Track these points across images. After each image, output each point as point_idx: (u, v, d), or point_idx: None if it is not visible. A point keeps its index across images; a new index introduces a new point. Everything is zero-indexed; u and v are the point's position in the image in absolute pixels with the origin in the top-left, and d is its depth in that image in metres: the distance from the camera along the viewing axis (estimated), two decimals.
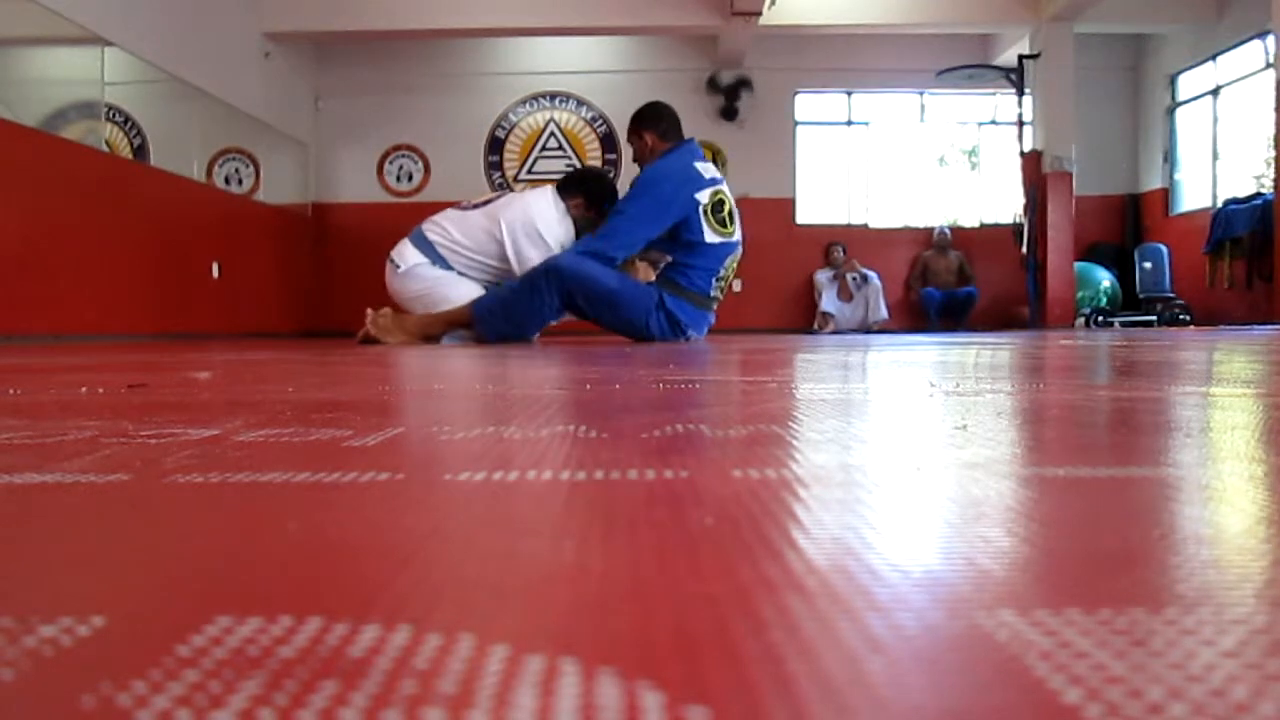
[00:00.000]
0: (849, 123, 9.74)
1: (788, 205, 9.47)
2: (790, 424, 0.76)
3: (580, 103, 9.48)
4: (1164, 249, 8.97)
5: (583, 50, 9.34)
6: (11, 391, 1.24)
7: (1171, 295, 8.77)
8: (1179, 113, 9.25)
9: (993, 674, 0.22)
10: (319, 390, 1.22)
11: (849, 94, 9.66)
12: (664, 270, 4.01)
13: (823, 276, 9.03)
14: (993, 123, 9.74)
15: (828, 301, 8.87)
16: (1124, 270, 9.10)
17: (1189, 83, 9.09)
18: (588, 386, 1.27)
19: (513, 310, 3.86)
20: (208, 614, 0.27)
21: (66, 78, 6.12)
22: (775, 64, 9.28)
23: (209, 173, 7.62)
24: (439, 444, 0.68)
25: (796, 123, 9.59)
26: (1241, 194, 8.09)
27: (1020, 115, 8.48)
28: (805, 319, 9.19)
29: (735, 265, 4.18)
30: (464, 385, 1.38)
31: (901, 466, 0.54)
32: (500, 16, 8.10)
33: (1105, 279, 8.94)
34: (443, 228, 4.12)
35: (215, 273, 7.25)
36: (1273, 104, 6.48)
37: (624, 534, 0.37)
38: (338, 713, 0.20)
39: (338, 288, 9.02)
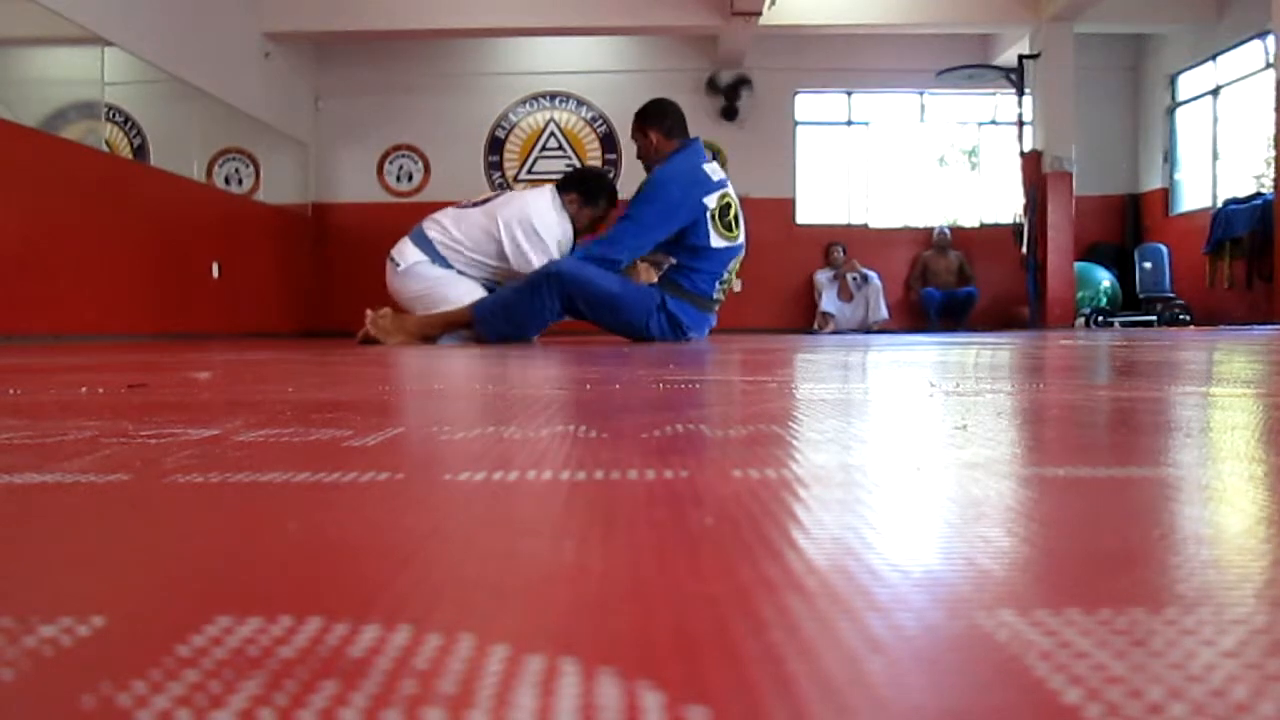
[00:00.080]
0: (849, 123, 9.74)
1: (788, 205, 9.47)
2: (790, 424, 0.76)
3: (580, 103, 9.48)
4: (1164, 249, 8.97)
5: (583, 50, 9.34)
6: (11, 391, 1.24)
7: (1171, 295, 8.77)
8: (1179, 113, 9.25)
9: (993, 674, 0.22)
10: (319, 390, 1.22)
11: (849, 94, 9.67)
12: (667, 272, 4.00)
13: (823, 276, 9.03)
14: (993, 123, 9.74)
15: (828, 301, 8.87)
16: (1124, 270, 9.10)
17: (1189, 83, 9.09)
18: (588, 386, 1.27)
19: (513, 312, 3.86)
20: (208, 614, 0.27)
21: (66, 78, 6.12)
22: (775, 64, 9.28)
23: (209, 173, 7.63)
24: (439, 444, 0.68)
25: (796, 123, 9.59)
26: (1241, 194, 8.09)
27: (1020, 115, 8.48)
28: (805, 319, 9.19)
29: (738, 267, 4.18)
30: (464, 385, 1.38)
31: (901, 466, 0.54)
32: (500, 16, 8.10)
33: (1105, 279, 8.94)
34: (442, 226, 4.12)
35: (215, 273, 7.25)
36: (1273, 104, 6.48)
37: (624, 534, 0.37)
38: (338, 713, 0.20)
39: (338, 288, 9.02)
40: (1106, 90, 9.49)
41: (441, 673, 0.22)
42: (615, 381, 1.36)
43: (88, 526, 0.42)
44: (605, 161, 9.40)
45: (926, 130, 9.83)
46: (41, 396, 1.17)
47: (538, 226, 4.00)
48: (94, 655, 0.24)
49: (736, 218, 4.05)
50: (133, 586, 0.32)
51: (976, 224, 9.82)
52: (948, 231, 9.31)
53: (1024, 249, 8.44)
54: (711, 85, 9.14)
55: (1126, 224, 9.63)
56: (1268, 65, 7.69)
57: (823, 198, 9.79)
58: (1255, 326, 6.53)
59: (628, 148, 8.93)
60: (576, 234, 4.16)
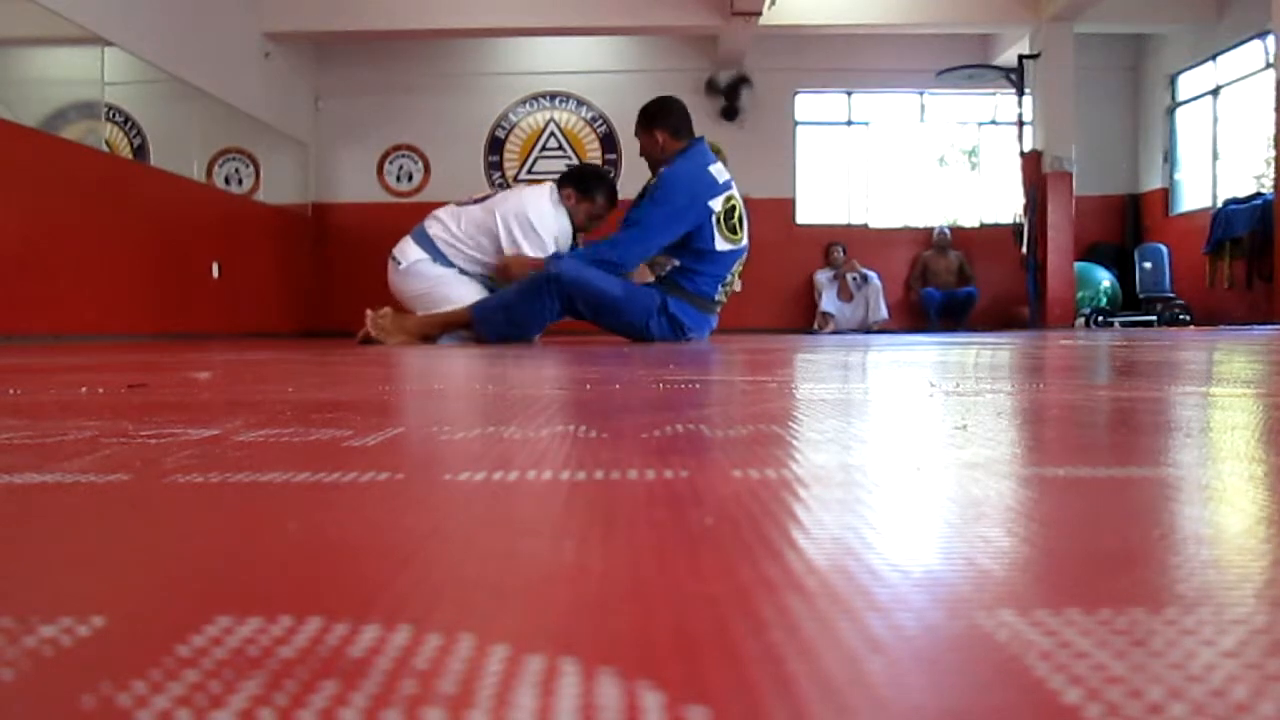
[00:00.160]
0: (849, 123, 9.74)
1: (788, 205, 9.47)
2: (790, 424, 0.76)
3: (580, 103, 9.48)
4: (1164, 249, 8.97)
5: (583, 50, 9.34)
6: (11, 391, 1.24)
7: (1171, 295, 8.77)
8: (1179, 113, 9.25)
9: (993, 674, 0.22)
10: (319, 390, 1.22)
11: (849, 94, 9.66)
12: (669, 273, 3.98)
13: (823, 276, 9.03)
14: (993, 123, 9.74)
15: (828, 301, 8.88)
16: (1124, 270, 9.10)
17: (1189, 83, 9.09)
18: (588, 386, 1.27)
19: (513, 312, 3.86)
20: (208, 614, 0.27)
21: (66, 78, 6.12)
22: (775, 64, 9.28)
23: (209, 173, 7.63)
24: (439, 444, 0.68)
25: (796, 123, 9.59)
26: (1241, 194, 8.09)
27: (1020, 115, 8.48)
28: (805, 319, 9.19)
29: (741, 268, 4.17)
30: (464, 385, 1.38)
31: (901, 466, 0.54)
32: (500, 16, 8.10)
33: (1105, 279, 8.94)
34: (443, 223, 4.13)
35: (215, 273, 7.25)
36: (1273, 104, 6.48)
37: (624, 534, 0.37)
38: (338, 713, 0.20)
39: (338, 288, 9.02)
40: (1106, 90, 9.49)
41: (441, 673, 0.22)
42: (615, 381, 1.36)
43: (88, 526, 0.42)
44: (605, 161, 9.40)
45: (926, 130, 9.83)
46: (41, 396, 1.17)
47: (534, 221, 4.00)
48: (94, 655, 0.24)
49: (741, 220, 4.05)
50: (133, 586, 0.32)
51: (976, 224, 9.82)
52: (948, 231, 9.31)
53: (1024, 249, 8.44)
54: (711, 87, 9.12)
55: (1126, 224, 9.63)
56: (1268, 65, 7.69)
57: (823, 198, 9.79)
58: (1255, 326, 6.53)
59: (628, 147, 8.94)
60: (576, 230, 4.15)
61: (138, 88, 6.74)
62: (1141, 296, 8.85)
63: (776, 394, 1.11)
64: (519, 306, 3.84)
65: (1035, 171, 8.31)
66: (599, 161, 9.40)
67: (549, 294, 3.79)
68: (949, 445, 0.63)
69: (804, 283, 9.27)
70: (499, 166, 9.46)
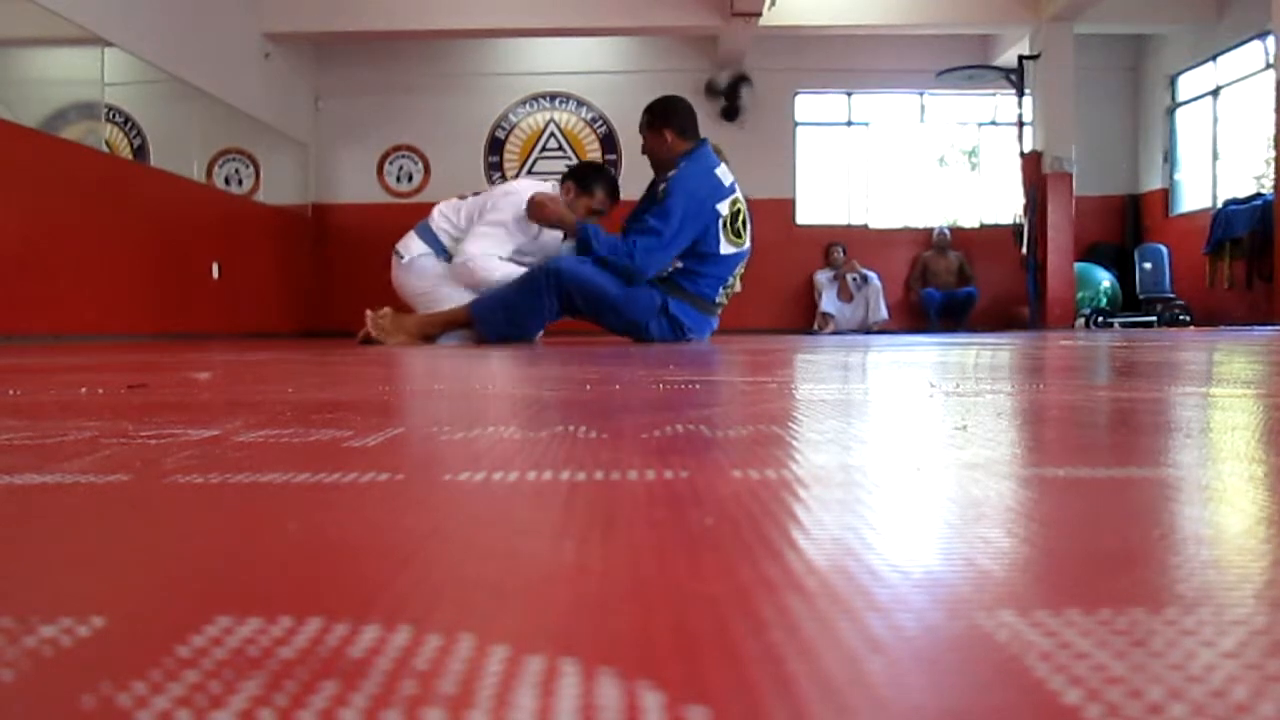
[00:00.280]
0: (849, 123, 9.74)
1: (788, 205, 9.47)
2: (790, 424, 0.76)
3: (580, 103, 9.48)
4: (1164, 249, 8.97)
5: (583, 50, 9.34)
6: (11, 391, 1.24)
7: (1171, 296, 8.77)
8: (1179, 113, 9.25)
9: (993, 674, 0.22)
10: (319, 390, 1.22)
11: (849, 94, 9.66)
12: (671, 274, 3.96)
13: (823, 277, 9.03)
14: (993, 123, 9.74)
15: (828, 302, 8.88)
16: (1124, 271, 9.10)
17: (1189, 83, 9.09)
18: (588, 387, 1.27)
19: (512, 310, 3.85)
20: (208, 614, 0.27)
21: (66, 78, 6.12)
22: (775, 64, 9.28)
23: (209, 173, 7.63)
24: (439, 444, 0.68)
25: (796, 123, 9.59)
26: (1241, 194, 8.09)
27: (1020, 116, 8.48)
28: (805, 319, 9.19)
29: (742, 270, 4.16)
30: (464, 385, 1.38)
31: (901, 467, 0.54)
32: (500, 17, 8.10)
33: (1105, 279, 8.94)
34: (445, 215, 4.14)
35: (215, 273, 7.25)
36: (1273, 104, 6.48)
37: (624, 534, 0.37)
38: (338, 713, 0.20)
39: (338, 288, 9.02)
40: (1106, 90, 9.49)
41: (441, 673, 0.22)
42: (615, 382, 1.36)
43: (88, 526, 0.42)
44: (605, 162, 9.40)
45: (926, 130, 9.83)
46: (41, 396, 1.17)
47: (509, 207, 3.99)
48: (94, 655, 0.24)
49: (745, 223, 4.04)
50: (133, 586, 0.32)
51: (976, 224, 9.82)
52: (948, 232, 9.31)
53: (1024, 249, 8.44)
54: (710, 89, 9.10)
55: (1126, 224, 9.63)
56: (1268, 65, 7.69)
57: (823, 198, 9.79)
58: (1255, 327, 6.53)
59: (628, 147, 8.94)
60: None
61: (138, 88, 6.75)
62: (1141, 297, 8.86)
63: (776, 394, 1.11)
64: (518, 303, 3.83)
65: (1035, 172, 8.31)
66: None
67: (547, 290, 3.79)
68: (949, 446, 0.63)
69: (804, 283, 9.27)
70: (499, 167, 9.47)
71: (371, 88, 9.33)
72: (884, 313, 8.75)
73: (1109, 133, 9.51)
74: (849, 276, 8.88)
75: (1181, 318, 8.42)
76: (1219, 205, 8.31)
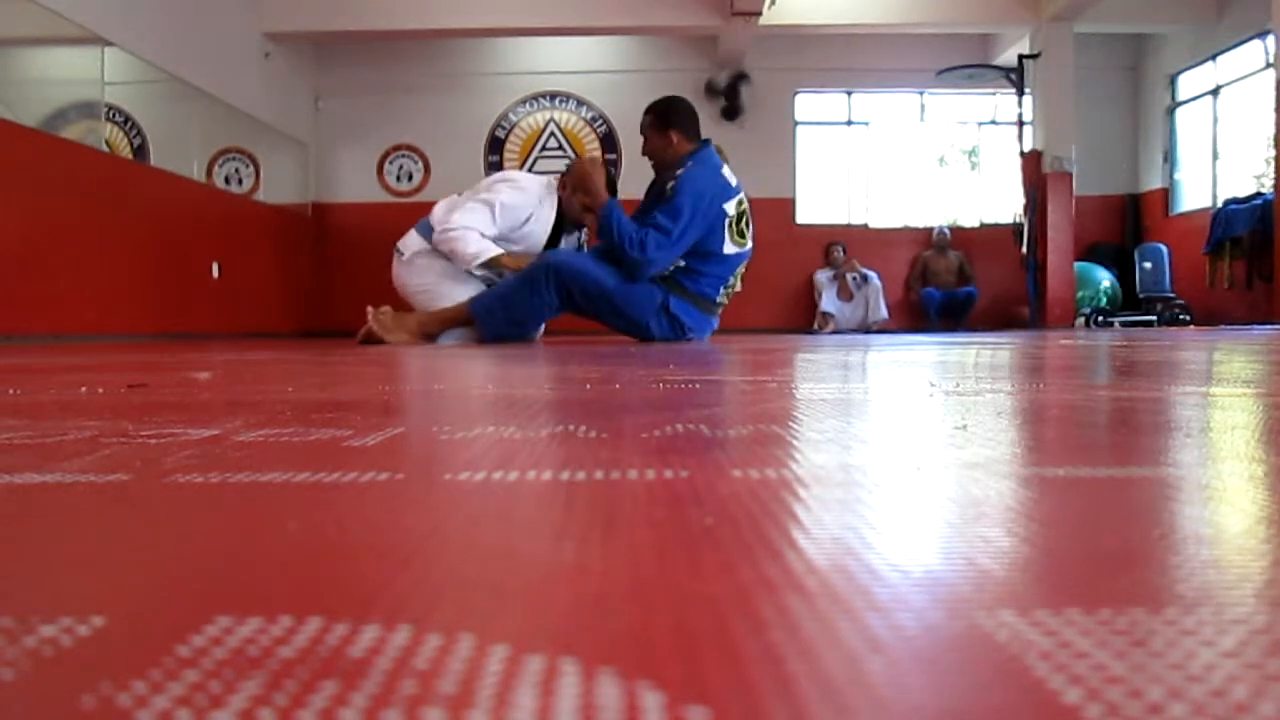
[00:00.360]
0: (849, 123, 9.74)
1: (788, 205, 9.46)
2: (790, 424, 0.76)
3: (580, 103, 9.48)
4: (1164, 249, 8.97)
5: (583, 50, 9.34)
6: (11, 391, 1.24)
7: (1171, 295, 8.77)
8: (1179, 113, 9.25)
9: (993, 674, 0.22)
10: (319, 390, 1.22)
11: (849, 94, 9.66)
12: (673, 273, 3.95)
13: (823, 276, 9.03)
14: (993, 123, 9.73)
15: (828, 301, 8.88)
16: (1124, 270, 9.10)
17: (1189, 83, 9.09)
18: (588, 386, 1.27)
19: (511, 306, 3.85)
20: (208, 614, 0.27)
21: (66, 78, 6.12)
22: (775, 64, 9.28)
23: (209, 173, 7.62)
24: (439, 444, 0.68)
25: (796, 123, 9.59)
26: (1241, 194, 8.09)
27: (1020, 115, 8.48)
28: (805, 319, 9.18)
29: (744, 270, 4.16)
30: (464, 385, 1.38)
31: (901, 466, 0.54)
32: (500, 16, 8.10)
33: (1105, 279, 8.94)
34: (444, 211, 4.14)
35: (215, 273, 7.24)
36: (1273, 104, 6.48)
37: (624, 534, 0.37)
38: (338, 713, 0.20)
39: (338, 288, 9.02)
40: (1106, 90, 9.49)
41: (441, 673, 0.22)
42: (615, 381, 1.36)
43: (88, 526, 0.42)
44: (605, 161, 9.40)
45: (926, 130, 9.83)
46: (41, 396, 1.17)
47: (505, 187, 3.99)
48: (94, 655, 0.24)
49: (748, 223, 4.05)
50: (133, 586, 0.32)
51: (976, 224, 9.82)
52: (948, 231, 9.31)
53: (1024, 249, 8.44)
54: (710, 90, 9.09)
55: (1126, 224, 9.63)
56: (1268, 65, 7.69)
57: (823, 198, 9.79)
58: (1255, 326, 6.53)
59: (628, 147, 8.94)
60: (564, 221, 4.11)
61: (138, 88, 6.74)
62: (1141, 296, 8.85)
63: (776, 394, 1.11)
64: (517, 299, 3.83)
65: (1035, 171, 8.31)
66: None
67: (545, 284, 3.79)
68: (949, 445, 0.63)
69: (804, 283, 9.27)
70: (499, 166, 9.46)
71: (371, 87, 9.32)
72: (884, 312, 8.75)
73: (1109, 132, 9.51)
74: (849, 276, 8.88)
75: (1181, 317, 8.42)
76: (1219, 205, 8.30)
